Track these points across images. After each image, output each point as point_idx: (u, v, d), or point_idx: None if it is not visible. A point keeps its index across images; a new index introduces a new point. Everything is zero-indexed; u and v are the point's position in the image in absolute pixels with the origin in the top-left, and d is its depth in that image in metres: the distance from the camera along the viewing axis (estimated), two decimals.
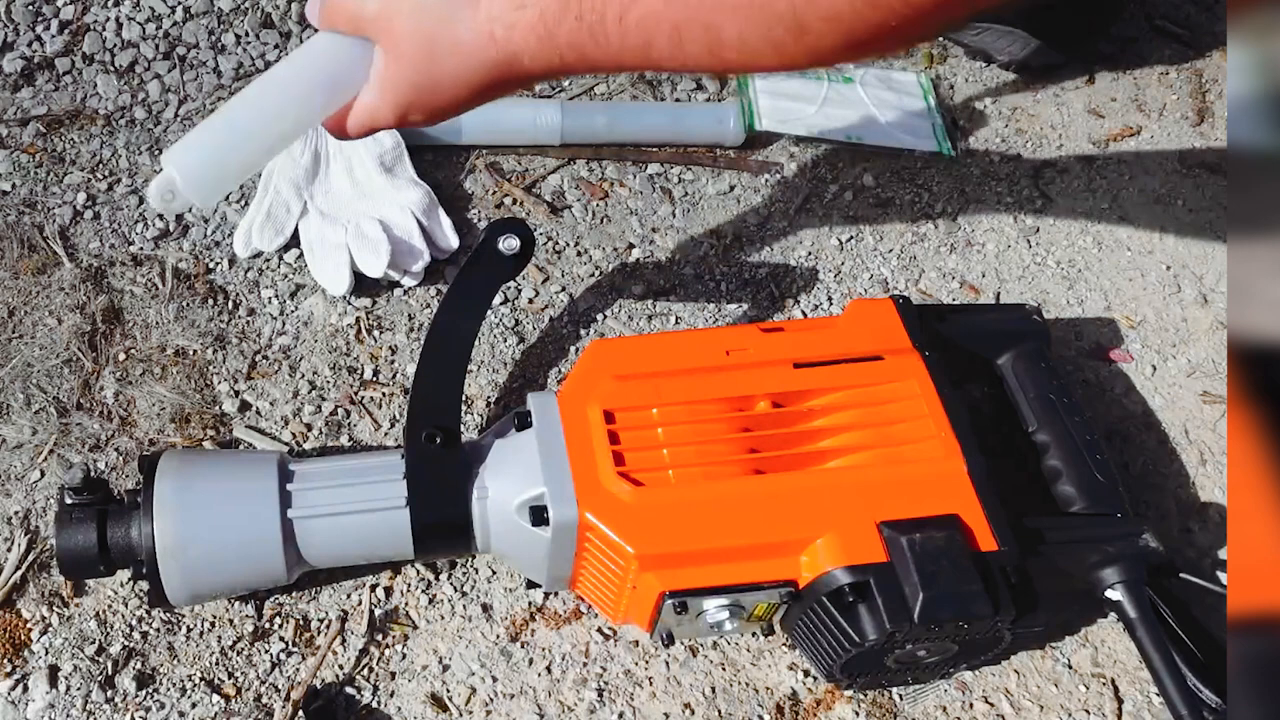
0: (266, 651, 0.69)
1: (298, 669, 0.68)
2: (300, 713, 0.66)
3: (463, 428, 0.76)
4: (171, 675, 0.67)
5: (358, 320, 0.84)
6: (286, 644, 0.69)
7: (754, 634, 0.70)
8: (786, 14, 0.45)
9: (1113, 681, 0.72)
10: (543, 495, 0.63)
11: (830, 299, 0.89)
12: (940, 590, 0.60)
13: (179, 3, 0.98)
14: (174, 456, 0.66)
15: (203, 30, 0.97)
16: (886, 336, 0.71)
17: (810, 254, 0.92)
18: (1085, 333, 0.89)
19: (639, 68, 0.54)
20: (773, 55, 0.48)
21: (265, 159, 0.61)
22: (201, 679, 0.67)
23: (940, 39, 1.08)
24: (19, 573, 0.70)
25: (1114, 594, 0.68)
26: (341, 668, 0.69)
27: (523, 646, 0.71)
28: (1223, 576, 0.75)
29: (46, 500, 0.73)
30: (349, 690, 0.68)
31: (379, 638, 0.70)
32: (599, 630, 0.71)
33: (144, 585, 0.68)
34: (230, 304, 0.84)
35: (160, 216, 0.88)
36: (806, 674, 0.70)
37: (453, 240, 0.87)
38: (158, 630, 0.69)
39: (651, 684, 0.70)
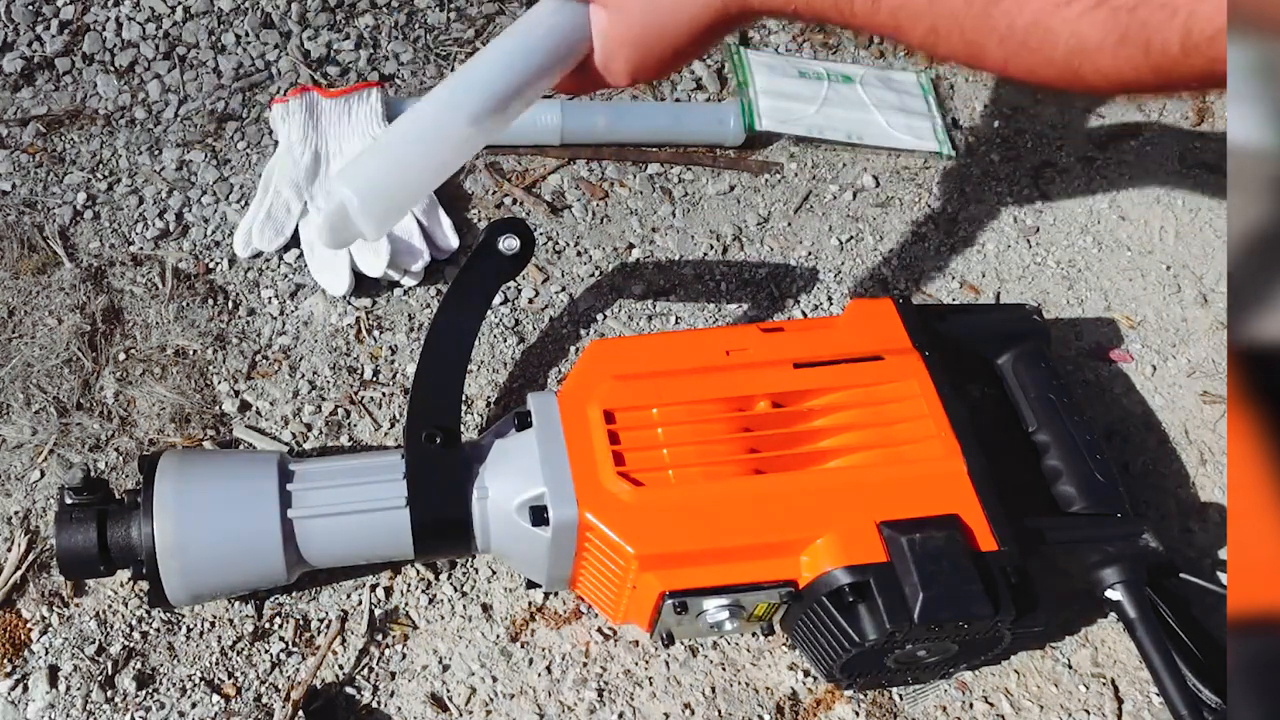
0: (266, 651, 0.69)
1: (298, 669, 0.68)
2: (300, 713, 0.66)
3: (463, 428, 0.76)
4: (171, 675, 0.67)
5: (358, 320, 0.84)
6: (286, 644, 0.69)
7: (754, 634, 0.70)
8: (1060, 63, 0.44)
9: (1113, 681, 0.72)
10: (543, 495, 0.63)
11: (830, 299, 0.89)
12: (940, 590, 0.60)
13: (179, 3, 0.98)
14: (174, 456, 0.66)
15: (203, 30, 0.97)
16: (886, 336, 0.71)
17: (810, 254, 0.92)
18: (1085, 333, 0.89)
19: (878, 35, 0.51)
20: (1035, 82, 0.46)
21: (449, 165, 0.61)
22: (201, 679, 0.67)
23: None
24: (19, 573, 0.70)
25: (1114, 594, 0.68)
26: (341, 668, 0.69)
27: (523, 646, 0.71)
28: (1223, 576, 0.75)
29: (46, 500, 0.73)
30: (349, 690, 0.68)
31: (379, 638, 0.70)
32: (599, 630, 0.71)
33: (144, 585, 0.68)
34: (230, 304, 0.84)
35: (160, 215, 0.88)
36: (806, 674, 0.70)
37: (453, 240, 0.87)
38: (158, 630, 0.69)
39: (651, 684, 0.70)
